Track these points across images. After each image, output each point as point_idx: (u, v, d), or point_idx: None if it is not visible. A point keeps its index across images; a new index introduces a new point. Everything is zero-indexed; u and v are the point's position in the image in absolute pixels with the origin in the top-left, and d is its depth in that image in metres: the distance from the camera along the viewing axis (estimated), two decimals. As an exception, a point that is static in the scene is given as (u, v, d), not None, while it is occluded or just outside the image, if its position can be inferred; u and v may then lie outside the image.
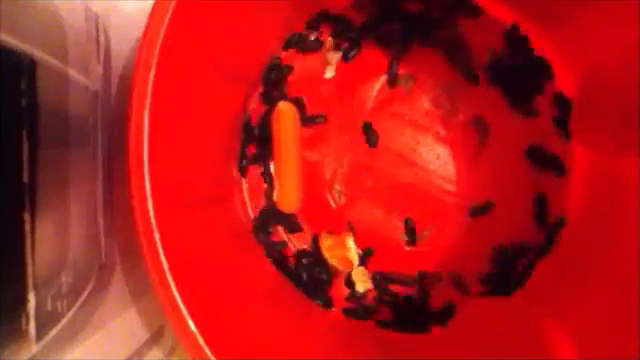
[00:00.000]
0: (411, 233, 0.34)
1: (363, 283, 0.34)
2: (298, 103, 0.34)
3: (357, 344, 0.32)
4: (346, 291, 0.34)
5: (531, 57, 0.34)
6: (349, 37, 0.34)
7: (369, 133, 0.34)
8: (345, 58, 0.34)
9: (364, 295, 0.34)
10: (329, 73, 0.35)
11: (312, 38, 0.34)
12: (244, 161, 0.34)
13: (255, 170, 0.35)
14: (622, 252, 0.28)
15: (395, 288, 0.34)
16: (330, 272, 0.34)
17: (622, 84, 0.29)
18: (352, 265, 0.34)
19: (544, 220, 0.34)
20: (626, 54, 0.28)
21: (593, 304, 0.28)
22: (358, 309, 0.34)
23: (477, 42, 0.34)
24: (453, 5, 0.34)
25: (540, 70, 0.34)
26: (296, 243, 0.35)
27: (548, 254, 0.33)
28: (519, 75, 0.34)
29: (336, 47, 0.35)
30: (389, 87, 0.35)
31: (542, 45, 0.34)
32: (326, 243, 0.34)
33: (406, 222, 0.34)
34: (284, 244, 0.34)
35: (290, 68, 0.34)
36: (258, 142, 0.34)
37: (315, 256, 0.34)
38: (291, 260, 0.34)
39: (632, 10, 0.26)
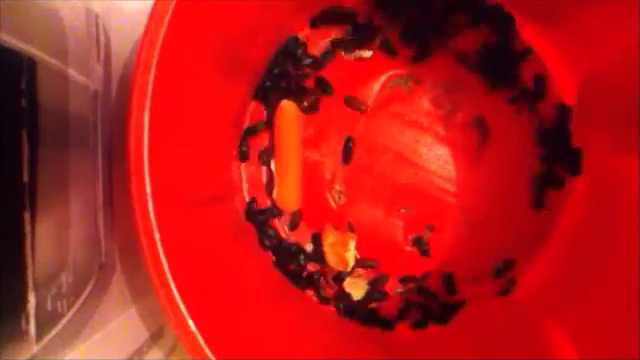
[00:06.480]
0: (422, 248, 0.34)
1: (358, 292, 0.34)
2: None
3: (357, 344, 0.32)
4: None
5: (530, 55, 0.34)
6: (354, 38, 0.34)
7: (347, 149, 0.34)
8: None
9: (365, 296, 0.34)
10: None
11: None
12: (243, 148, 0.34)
13: (256, 166, 0.35)
14: (622, 252, 0.28)
15: (395, 288, 0.34)
16: (324, 268, 0.34)
17: (622, 84, 0.29)
18: (347, 265, 0.34)
19: (544, 219, 0.34)
20: (626, 54, 0.28)
21: (593, 304, 0.28)
22: (359, 309, 0.34)
23: (477, 42, 0.34)
24: (454, 7, 0.34)
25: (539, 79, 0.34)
26: (296, 242, 0.35)
27: (548, 253, 0.33)
28: (519, 74, 0.34)
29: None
30: (389, 87, 0.35)
31: (542, 45, 0.34)
32: (330, 238, 0.34)
33: (418, 241, 0.34)
34: (284, 243, 0.34)
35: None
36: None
37: (315, 255, 0.34)
38: (290, 259, 0.34)
39: (632, 10, 0.26)
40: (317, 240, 0.34)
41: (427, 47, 0.34)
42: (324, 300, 0.34)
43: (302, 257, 0.34)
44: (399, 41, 0.34)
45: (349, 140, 0.34)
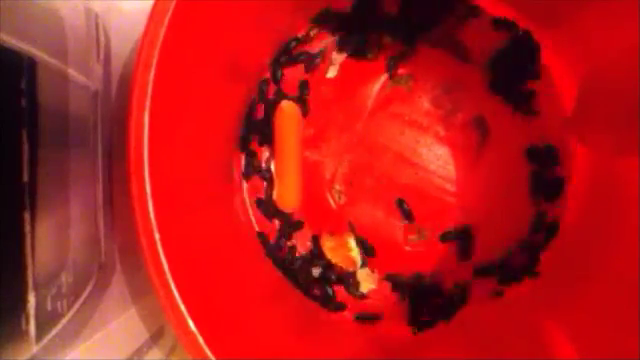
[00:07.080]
0: (407, 213, 0.34)
1: (368, 284, 0.34)
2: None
3: (357, 344, 0.32)
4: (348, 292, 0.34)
5: (532, 55, 0.34)
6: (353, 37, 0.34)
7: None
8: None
9: (365, 295, 0.34)
10: (332, 73, 0.34)
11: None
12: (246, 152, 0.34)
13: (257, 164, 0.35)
14: (622, 252, 0.28)
15: (395, 287, 0.34)
16: (334, 272, 0.34)
17: (622, 84, 0.29)
18: (356, 264, 0.34)
19: (543, 219, 0.34)
20: (626, 54, 0.28)
21: (593, 304, 0.28)
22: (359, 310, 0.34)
23: (478, 42, 0.34)
24: (454, 7, 0.34)
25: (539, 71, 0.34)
26: (296, 243, 0.35)
27: (547, 252, 0.33)
28: (519, 74, 0.34)
29: (340, 47, 0.34)
30: (389, 87, 0.35)
31: (542, 45, 0.34)
32: (328, 244, 0.34)
33: (400, 203, 0.34)
34: (284, 243, 0.34)
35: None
36: (260, 136, 0.34)
37: (315, 256, 0.34)
38: (291, 260, 0.34)
39: (632, 10, 0.26)
40: (317, 242, 0.34)
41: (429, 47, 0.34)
42: (326, 301, 0.34)
43: (299, 258, 0.34)
44: (400, 41, 0.34)
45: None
